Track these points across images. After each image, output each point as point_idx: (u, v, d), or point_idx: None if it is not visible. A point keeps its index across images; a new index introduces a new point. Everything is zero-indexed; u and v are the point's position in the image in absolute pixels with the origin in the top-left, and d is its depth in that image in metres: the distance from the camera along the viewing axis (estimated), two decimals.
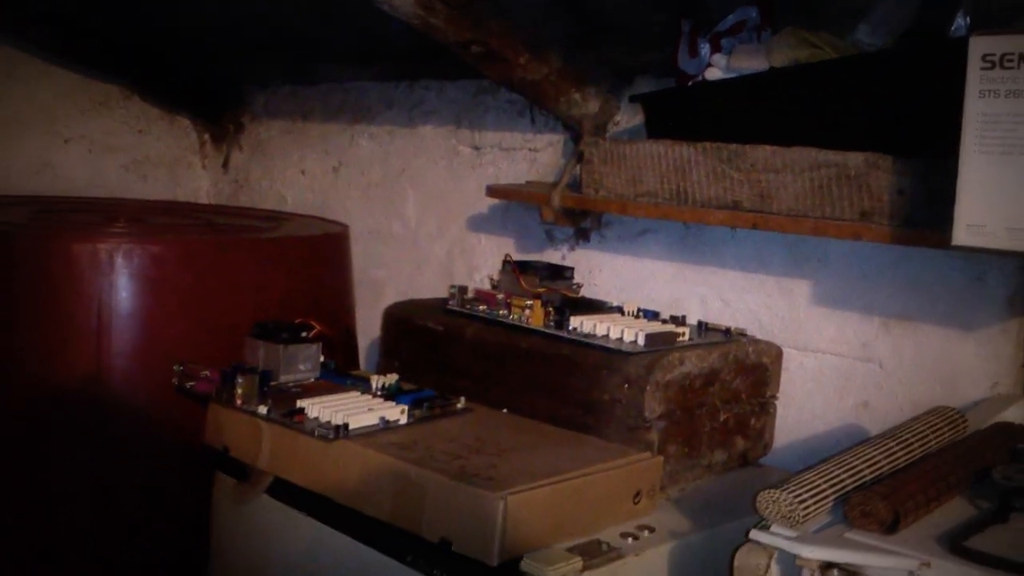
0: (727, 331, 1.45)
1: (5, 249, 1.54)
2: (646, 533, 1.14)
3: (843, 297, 1.49)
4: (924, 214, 1.20)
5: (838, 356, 1.50)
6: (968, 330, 1.37)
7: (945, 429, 1.12)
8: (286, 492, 1.29)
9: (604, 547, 1.08)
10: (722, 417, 1.40)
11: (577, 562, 1.02)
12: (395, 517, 1.13)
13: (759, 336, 1.50)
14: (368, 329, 2.07)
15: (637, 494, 1.20)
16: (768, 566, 0.88)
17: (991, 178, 1.00)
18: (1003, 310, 1.33)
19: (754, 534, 0.88)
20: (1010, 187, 0.99)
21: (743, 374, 1.41)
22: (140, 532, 1.58)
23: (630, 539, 1.12)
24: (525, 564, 1.02)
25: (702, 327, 1.46)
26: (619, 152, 1.51)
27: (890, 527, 0.88)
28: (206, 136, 2.63)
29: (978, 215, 1.01)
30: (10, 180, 2.26)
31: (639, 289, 1.74)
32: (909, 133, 1.23)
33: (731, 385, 1.40)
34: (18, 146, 2.30)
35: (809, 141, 1.30)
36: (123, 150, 2.51)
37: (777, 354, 1.46)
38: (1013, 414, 1.24)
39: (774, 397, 1.47)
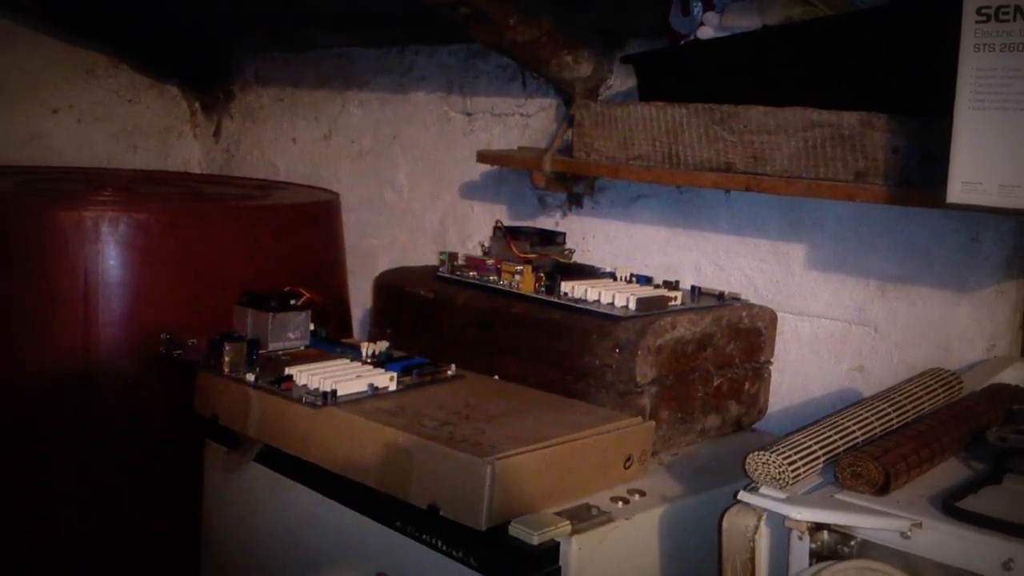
0: (720, 295, 1.43)
1: None
2: (637, 497, 1.13)
3: (839, 261, 1.47)
4: (919, 173, 1.18)
5: (833, 320, 1.49)
6: (964, 292, 1.35)
7: (940, 391, 1.11)
8: (275, 459, 1.28)
9: (594, 511, 1.07)
10: (716, 382, 1.38)
11: (566, 526, 1.01)
12: (383, 483, 1.12)
13: (754, 301, 1.48)
14: (361, 299, 2.05)
15: (628, 459, 1.19)
16: (757, 527, 0.87)
17: (986, 135, 0.98)
18: (999, 271, 1.32)
19: (743, 495, 0.87)
20: (1005, 144, 0.97)
21: (737, 339, 1.40)
22: (130, 502, 1.57)
23: (620, 503, 1.11)
24: (513, 528, 1.01)
25: (695, 292, 1.44)
26: (610, 115, 1.48)
27: (881, 488, 0.86)
28: (196, 105, 2.60)
29: (973, 172, 0.99)
30: None
31: (632, 255, 1.73)
32: (904, 91, 1.21)
33: (725, 350, 1.38)
34: (5, 116, 2.28)
35: (803, 101, 1.27)
36: (112, 120, 2.48)
37: (771, 318, 1.45)
38: (1010, 376, 1.22)
39: (768, 362, 1.46)
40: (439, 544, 1.07)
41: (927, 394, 1.08)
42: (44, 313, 1.48)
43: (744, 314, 1.40)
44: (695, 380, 1.35)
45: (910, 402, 1.05)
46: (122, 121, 2.50)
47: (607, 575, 1.05)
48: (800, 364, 1.53)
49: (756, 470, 0.89)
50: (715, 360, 1.37)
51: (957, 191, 1.00)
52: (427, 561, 1.08)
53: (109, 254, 1.49)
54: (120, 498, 1.55)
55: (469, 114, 1.99)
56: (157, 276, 1.53)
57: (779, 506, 0.85)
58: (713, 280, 1.61)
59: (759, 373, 1.45)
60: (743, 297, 1.46)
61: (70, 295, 1.48)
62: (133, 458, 1.53)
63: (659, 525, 1.12)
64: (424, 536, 1.08)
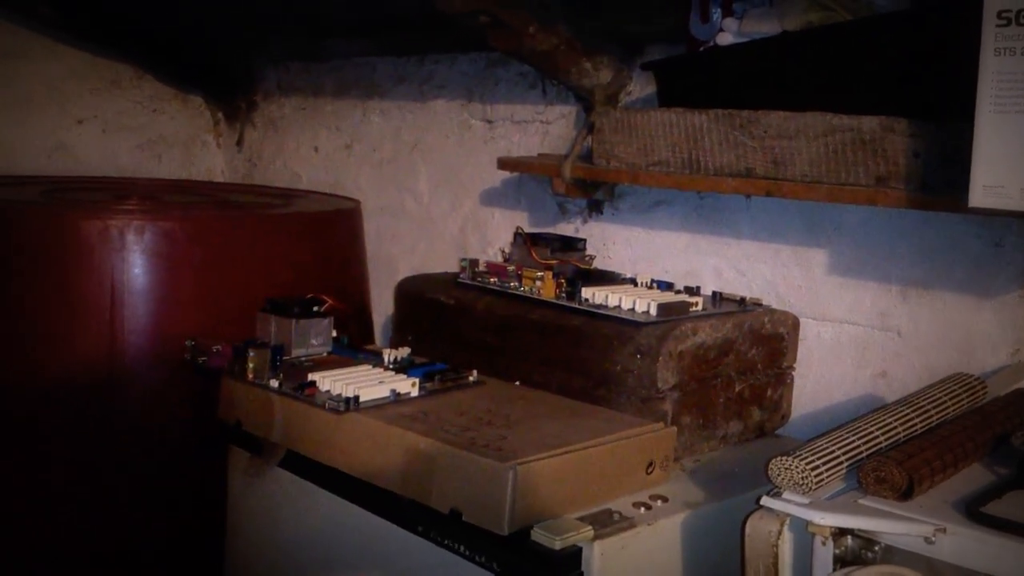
0: (742, 301, 1.43)
1: (16, 226, 1.54)
2: (659, 503, 1.13)
3: (860, 266, 1.47)
4: (940, 178, 1.18)
5: (855, 325, 1.48)
6: (987, 297, 1.34)
7: (964, 395, 1.10)
8: (299, 465, 1.29)
9: (616, 517, 1.07)
10: (737, 388, 1.38)
11: (588, 531, 1.02)
12: (405, 488, 1.12)
13: (775, 306, 1.48)
14: (383, 306, 2.06)
15: (650, 464, 1.19)
16: (780, 533, 0.87)
17: (1007, 138, 0.97)
18: (1022, 276, 1.31)
19: (766, 501, 0.87)
20: None
21: (759, 344, 1.39)
22: (155, 508, 1.59)
23: (642, 509, 1.11)
24: (535, 534, 1.01)
25: (716, 297, 1.44)
26: (630, 121, 1.49)
27: (905, 493, 0.86)
28: (220, 115, 2.63)
29: (994, 176, 0.99)
30: (23, 161, 2.27)
31: (653, 261, 1.73)
32: (925, 95, 1.21)
33: (746, 355, 1.38)
34: (30, 126, 2.31)
35: (823, 106, 1.27)
36: (137, 130, 2.51)
37: (794, 324, 1.44)
38: None
39: (791, 367, 1.46)
40: (461, 549, 1.07)
41: (951, 399, 1.08)
42: (70, 320, 1.50)
43: (766, 319, 1.40)
44: (717, 386, 1.35)
45: (934, 407, 1.05)
46: (146, 131, 2.53)
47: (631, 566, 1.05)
48: (823, 370, 1.52)
49: (779, 475, 0.89)
50: (737, 366, 1.37)
51: (979, 195, 1.00)
52: (449, 566, 1.09)
53: (134, 262, 1.51)
54: (147, 507, 1.56)
55: (489, 121, 2.00)
56: (181, 284, 1.55)
57: (802, 511, 0.85)
58: (734, 286, 1.60)
59: (781, 379, 1.45)
60: (765, 303, 1.46)
61: (96, 303, 1.50)
62: (159, 465, 1.54)
63: (681, 531, 1.12)
64: (446, 541, 1.09)
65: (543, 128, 1.90)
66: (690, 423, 1.31)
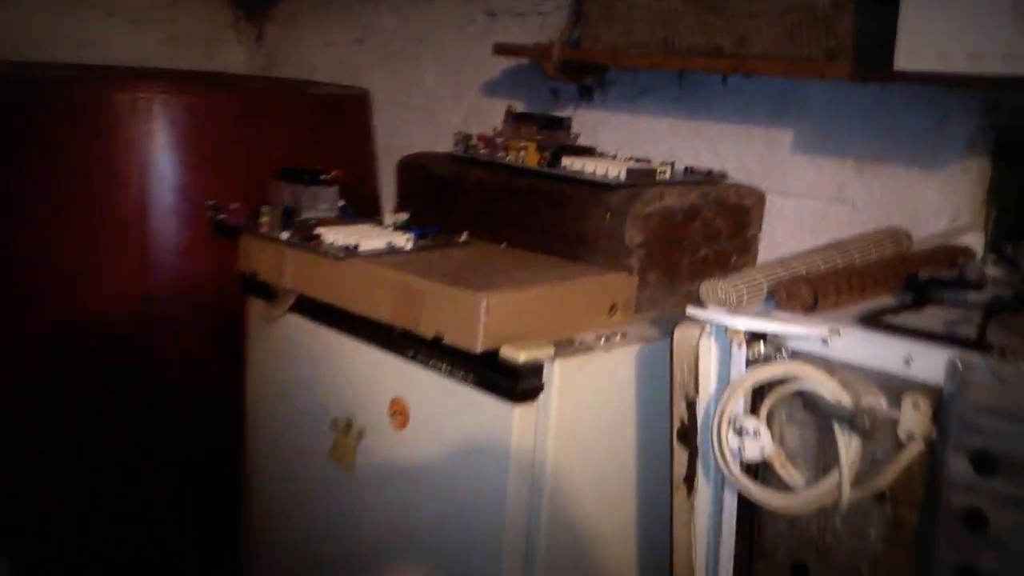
0: (709, 173, 1.57)
1: (52, 100, 1.69)
2: (618, 337, 1.29)
3: (822, 144, 1.60)
4: (883, 53, 1.30)
5: (816, 199, 1.62)
6: (932, 170, 1.47)
7: (888, 243, 1.24)
8: (307, 308, 1.46)
9: (577, 343, 1.23)
10: (703, 252, 1.52)
11: (550, 349, 1.18)
12: (396, 319, 1.29)
13: (746, 183, 1.61)
14: (390, 195, 2.21)
15: (612, 307, 1.34)
16: (700, 336, 1.02)
17: (929, 5, 1.09)
18: (964, 149, 1.43)
19: (690, 311, 1.02)
20: (946, 13, 1.08)
21: (724, 214, 1.53)
22: (188, 367, 1.75)
23: (603, 340, 1.27)
24: (504, 351, 1.17)
25: (687, 171, 1.57)
26: (613, 6, 1.61)
27: (811, 306, 1.01)
28: (240, 11, 2.75)
29: (916, 42, 1.11)
30: (51, 54, 2.40)
31: (637, 146, 1.85)
32: None
33: (712, 223, 1.52)
34: (59, 19, 2.44)
35: None
36: (160, 24, 2.64)
37: (760, 197, 1.58)
38: (964, 242, 1.35)
39: (756, 237, 1.59)
40: (444, 368, 1.24)
41: (875, 245, 1.22)
42: (103, 189, 1.66)
43: (732, 192, 1.54)
44: (683, 249, 1.49)
45: (857, 250, 1.19)
46: (169, 27, 2.65)
47: (586, 396, 1.22)
48: (784, 240, 1.66)
49: (707, 294, 1.05)
50: (703, 232, 1.51)
51: (903, 59, 1.12)
52: (435, 384, 1.26)
53: (161, 133, 1.66)
54: (181, 357, 1.74)
55: (492, 15, 2.12)
56: (203, 155, 1.70)
57: (721, 318, 1.00)
58: (710, 166, 1.74)
59: (746, 248, 1.59)
60: (735, 179, 1.59)
61: (126, 170, 1.66)
62: (185, 315, 1.71)
63: (636, 360, 1.27)
64: (432, 362, 1.26)
65: (541, 20, 2.01)
66: (655, 280, 1.46)
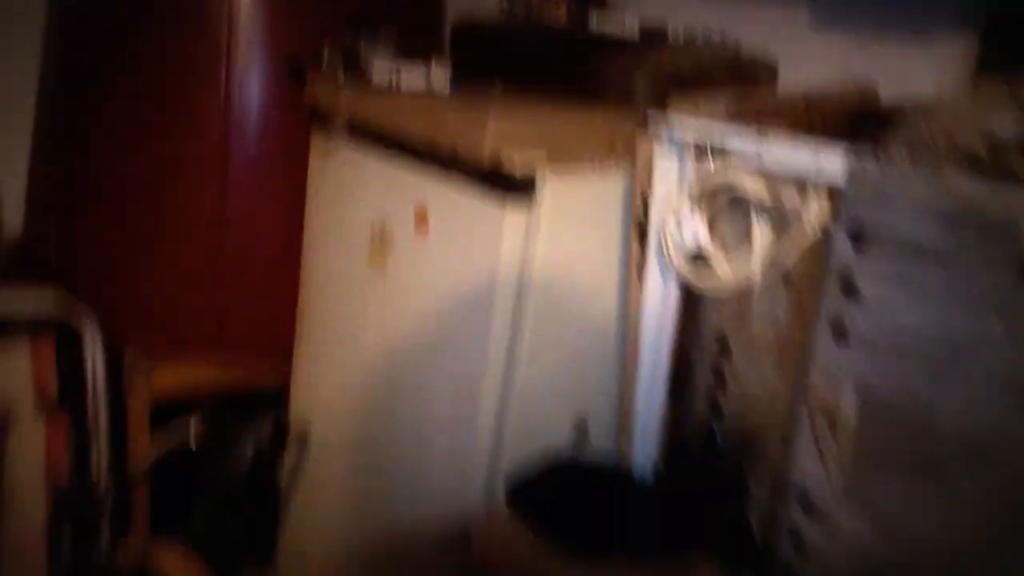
0: (722, 41, 1.72)
1: None
2: (612, 167, 1.48)
3: (833, 18, 1.73)
4: None
5: (825, 72, 1.76)
6: (927, 41, 1.60)
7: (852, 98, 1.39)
8: (356, 134, 1.70)
9: (571, 164, 1.43)
10: None
11: (544, 164, 1.38)
12: (424, 138, 1.51)
13: (761, 57, 1.76)
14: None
15: (612, 144, 1.53)
16: (657, 144, 1.21)
17: None
18: (955, 27, 1.56)
19: (651, 115, 1.21)
20: None
21: (734, 81, 1.69)
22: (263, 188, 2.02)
23: (596, 166, 1.46)
24: (504, 163, 1.38)
25: (701, 36, 1.73)
26: None
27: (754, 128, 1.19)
28: None
29: None
30: None
31: (658, 11, 1.96)
32: None
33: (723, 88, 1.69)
34: None
35: None
36: None
37: (771, 68, 1.73)
38: None
39: None
40: (457, 179, 1.46)
41: (840, 96, 1.37)
42: (196, 37, 1.92)
43: (745, 60, 1.69)
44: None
45: (820, 98, 1.35)
46: None
47: (573, 212, 1.42)
48: None
49: (674, 108, 1.23)
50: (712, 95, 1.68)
51: None
52: (450, 194, 1.48)
53: None
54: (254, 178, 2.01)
55: None
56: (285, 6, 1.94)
57: (675, 127, 1.19)
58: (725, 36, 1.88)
59: None
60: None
61: (217, 24, 1.91)
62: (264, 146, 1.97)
63: (625, 192, 1.47)
64: (448, 175, 1.48)
65: None
66: None
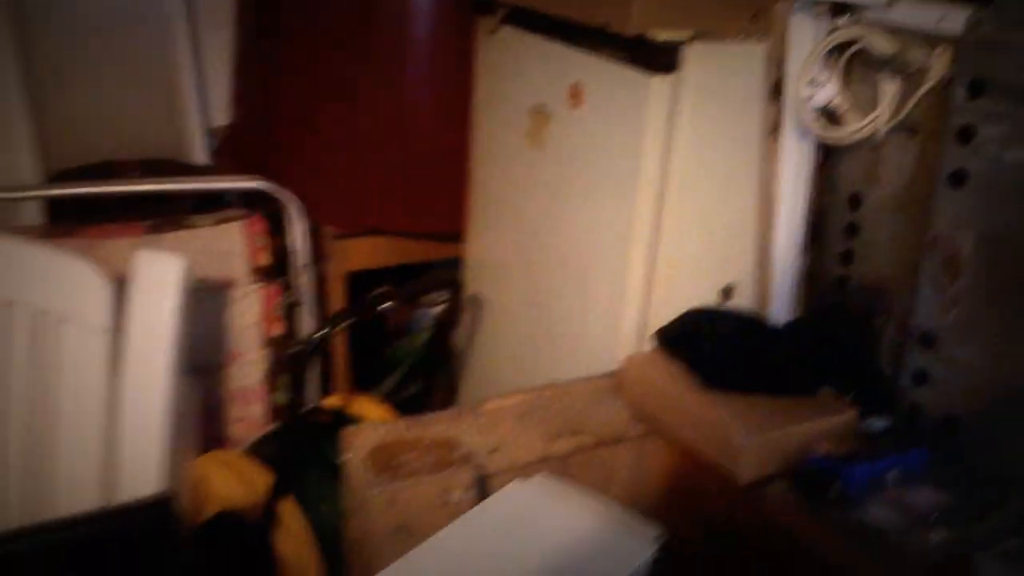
0: None
1: None
2: (754, 39, 1.55)
3: None
4: None
5: None
6: None
7: None
8: (516, 18, 1.83)
9: (715, 33, 1.51)
10: None
11: (688, 32, 1.47)
12: (578, 15, 1.62)
13: None
14: None
15: (755, 14, 1.59)
16: (792, 9, 1.28)
17: None
18: None
19: None
20: None
21: None
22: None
23: (740, 36, 1.53)
24: (649, 32, 1.48)
25: None
26: None
27: None
28: None
29: None
30: None
31: None
32: None
33: None
34: None
35: None
36: None
37: None
38: None
39: None
40: (607, 52, 1.57)
41: None
42: None
43: None
44: None
45: None
46: None
47: (716, 81, 1.50)
48: None
49: None
50: None
51: None
52: (602, 67, 1.59)
53: None
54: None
55: None
56: None
57: None
58: None
59: None
60: None
61: None
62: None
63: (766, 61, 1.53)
64: (601, 49, 1.59)
65: None
66: None
